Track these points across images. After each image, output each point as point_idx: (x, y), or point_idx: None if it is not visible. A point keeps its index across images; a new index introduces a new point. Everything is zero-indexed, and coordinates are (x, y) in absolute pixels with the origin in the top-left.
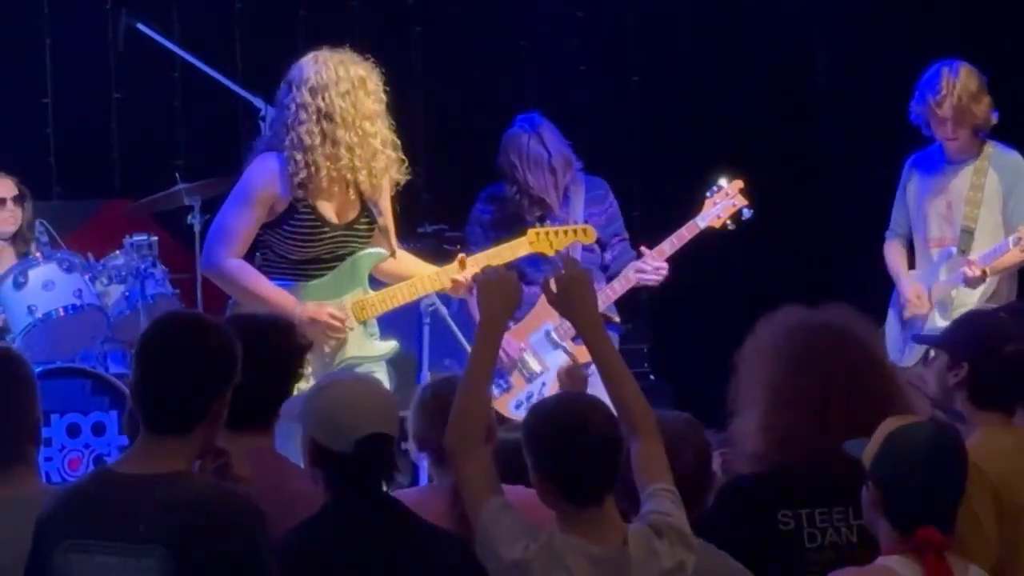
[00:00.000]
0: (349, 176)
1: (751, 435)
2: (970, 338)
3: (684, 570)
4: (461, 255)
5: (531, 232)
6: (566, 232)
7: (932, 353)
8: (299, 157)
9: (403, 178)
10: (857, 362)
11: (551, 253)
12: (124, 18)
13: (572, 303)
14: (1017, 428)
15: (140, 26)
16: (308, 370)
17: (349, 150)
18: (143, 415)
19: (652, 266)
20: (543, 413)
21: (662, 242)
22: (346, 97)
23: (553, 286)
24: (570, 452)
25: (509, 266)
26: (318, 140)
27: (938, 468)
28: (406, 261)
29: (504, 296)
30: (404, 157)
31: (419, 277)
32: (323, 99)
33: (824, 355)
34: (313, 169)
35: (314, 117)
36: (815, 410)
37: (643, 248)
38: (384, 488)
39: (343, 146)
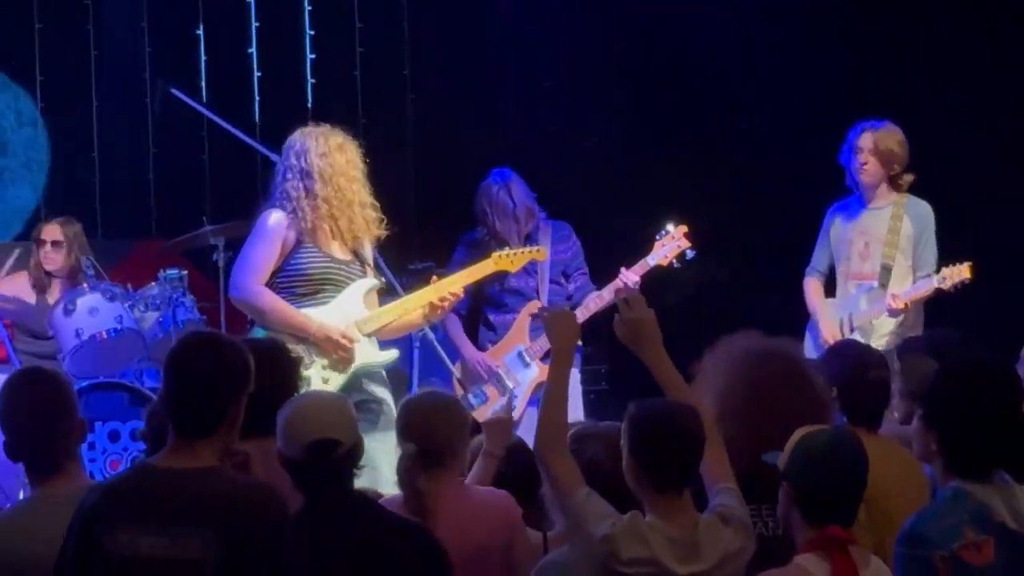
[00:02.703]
0: (329, 221)
1: None
2: (839, 366)
3: (745, 554)
4: (434, 276)
5: (494, 255)
6: (523, 253)
7: None
8: (288, 207)
9: (383, 234)
10: (796, 384)
11: (513, 270)
12: (161, 84)
13: (637, 338)
14: (880, 437)
15: (174, 91)
16: (325, 380)
17: (326, 201)
18: (174, 421)
19: (631, 280)
20: (646, 413)
21: (617, 277)
22: (323, 158)
23: (621, 325)
24: (663, 446)
25: (495, 294)
26: (301, 192)
27: (841, 466)
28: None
29: (569, 329)
30: (382, 216)
31: (405, 298)
32: (304, 160)
33: (769, 376)
34: (300, 214)
35: (297, 175)
36: (758, 421)
37: (623, 268)
38: (350, 486)
39: (320, 198)
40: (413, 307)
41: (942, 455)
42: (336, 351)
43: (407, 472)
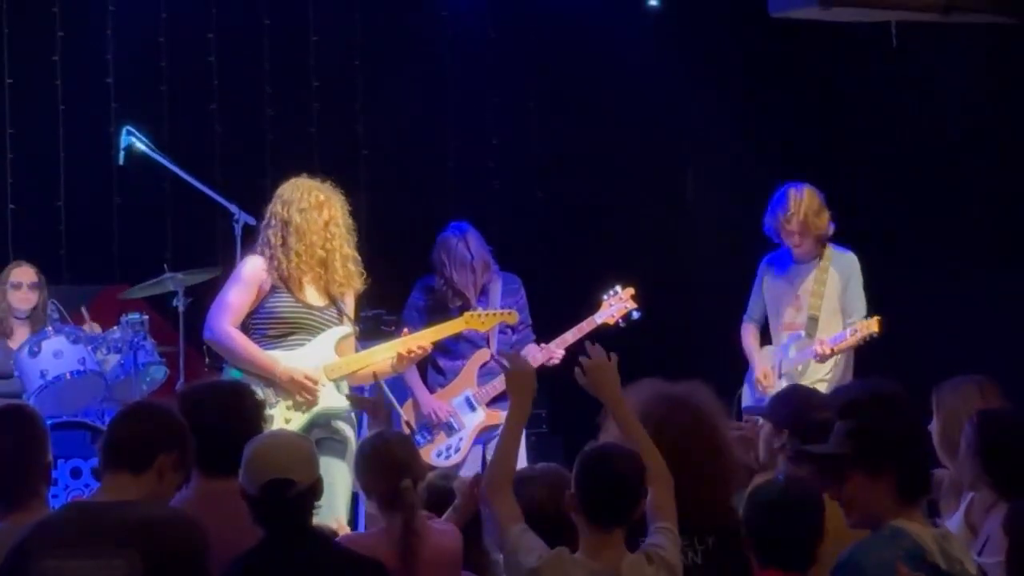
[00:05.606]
0: (302, 272)
1: None
2: (788, 410)
3: None
4: (405, 330)
5: (466, 315)
6: (495, 315)
7: (760, 421)
8: (266, 252)
9: (362, 287)
10: (691, 424)
11: (484, 330)
12: (125, 137)
13: (599, 383)
14: None
15: (138, 144)
16: (287, 420)
17: (297, 255)
18: (103, 457)
19: (555, 354)
20: (590, 454)
21: (565, 332)
22: (302, 213)
23: (583, 371)
24: (597, 485)
25: (447, 341)
26: (279, 242)
27: (787, 517)
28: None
29: (528, 385)
30: (363, 271)
31: (374, 348)
32: (287, 212)
33: (665, 416)
34: (275, 263)
35: (279, 225)
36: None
37: (542, 344)
38: (307, 522)
39: (292, 251)
40: (381, 357)
41: (895, 491)
42: (299, 393)
43: (413, 507)
